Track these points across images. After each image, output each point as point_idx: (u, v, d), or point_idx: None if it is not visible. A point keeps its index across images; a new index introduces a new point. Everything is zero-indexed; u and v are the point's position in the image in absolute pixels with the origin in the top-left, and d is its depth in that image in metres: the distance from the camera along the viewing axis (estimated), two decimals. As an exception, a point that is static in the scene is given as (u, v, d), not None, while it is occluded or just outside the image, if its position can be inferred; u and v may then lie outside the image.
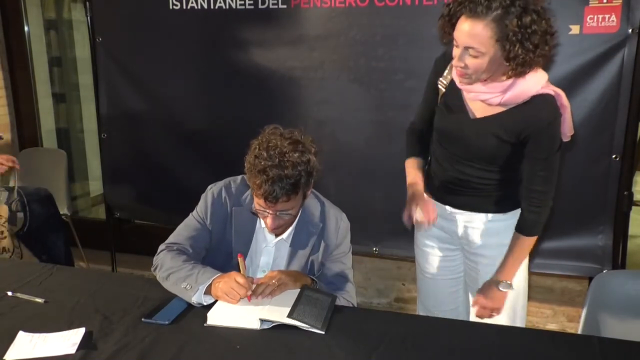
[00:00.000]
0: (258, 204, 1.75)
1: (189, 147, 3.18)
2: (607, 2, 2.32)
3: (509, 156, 1.82)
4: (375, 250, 2.94)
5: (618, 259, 2.62)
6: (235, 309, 1.66)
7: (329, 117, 2.87)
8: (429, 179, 2.03)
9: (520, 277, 1.96)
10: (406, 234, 2.13)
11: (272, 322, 1.60)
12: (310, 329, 1.58)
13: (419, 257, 2.13)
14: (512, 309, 1.96)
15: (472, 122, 1.83)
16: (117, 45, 3.22)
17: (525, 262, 1.96)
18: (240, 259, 1.77)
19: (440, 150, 1.95)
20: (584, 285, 3.10)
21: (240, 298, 1.68)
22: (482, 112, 1.82)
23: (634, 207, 2.62)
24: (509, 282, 1.88)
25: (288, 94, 2.92)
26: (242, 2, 2.87)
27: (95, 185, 4.52)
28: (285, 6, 2.80)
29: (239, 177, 1.96)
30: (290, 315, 1.60)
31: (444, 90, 1.90)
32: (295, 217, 1.87)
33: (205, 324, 1.61)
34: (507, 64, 1.64)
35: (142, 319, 1.63)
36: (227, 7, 2.90)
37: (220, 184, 1.96)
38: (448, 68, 1.88)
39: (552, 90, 1.73)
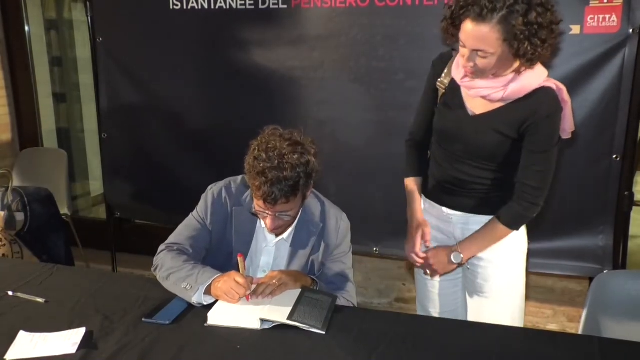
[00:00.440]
0: (257, 205, 1.75)
1: (189, 147, 3.19)
2: (608, 2, 2.32)
3: (509, 153, 1.81)
4: (376, 250, 2.94)
5: (619, 259, 2.62)
6: (236, 309, 1.66)
7: (329, 117, 2.87)
8: (426, 180, 2.04)
9: (517, 278, 1.95)
10: (407, 234, 2.13)
11: (273, 322, 1.60)
12: (311, 330, 1.58)
13: None
14: (511, 311, 1.96)
15: (471, 119, 1.83)
16: (117, 45, 3.22)
17: (523, 263, 1.96)
18: (240, 259, 1.77)
19: (440, 151, 1.95)
20: (584, 286, 3.10)
21: (240, 298, 1.68)
22: (482, 109, 1.82)
23: (634, 207, 2.62)
24: (462, 255, 1.87)
25: (288, 94, 2.92)
26: (243, 2, 2.87)
27: (96, 185, 4.52)
28: (285, 6, 2.80)
29: (239, 177, 1.96)
30: (290, 317, 1.60)
31: (443, 90, 1.90)
32: (295, 218, 1.87)
33: (205, 324, 1.62)
34: (516, 59, 1.66)
35: (143, 319, 1.63)
36: (228, 7, 2.90)
37: (220, 184, 1.96)
38: (447, 69, 1.89)
39: (553, 83, 1.74)
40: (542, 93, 1.73)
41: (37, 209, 2.93)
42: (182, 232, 1.93)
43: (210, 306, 1.68)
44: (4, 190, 2.88)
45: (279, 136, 1.73)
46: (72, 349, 1.47)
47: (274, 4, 2.82)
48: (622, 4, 2.30)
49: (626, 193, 2.53)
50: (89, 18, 3.23)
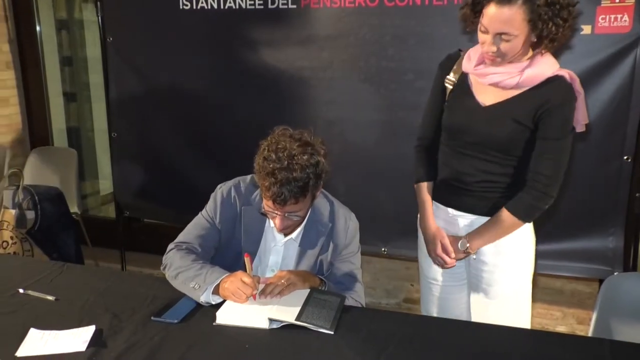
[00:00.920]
0: (267, 205, 1.76)
1: (198, 147, 3.20)
2: (620, 2, 2.30)
3: (522, 143, 1.79)
4: (384, 250, 2.93)
5: (629, 261, 2.60)
6: (245, 308, 1.66)
7: (338, 117, 2.87)
8: (434, 182, 2.02)
9: (523, 284, 1.94)
10: (415, 234, 2.12)
11: (281, 322, 1.60)
12: (319, 330, 1.57)
13: (423, 263, 2.10)
14: (516, 317, 1.94)
15: (483, 110, 1.83)
16: (127, 45, 3.23)
17: (530, 269, 1.94)
18: (246, 259, 1.77)
19: (448, 149, 1.94)
20: (593, 288, 3.08)
21: (247, 297, 1.68)
22: (494, 99, 1.82)
23: (645, 209, 2.60)
24: (468, 244, 1.86)
25: (298, 94, 2.92)
26: (252, 2, 2.87)
27: (105, 184, 4.55)
28: (295, 6, 2.80)
29: (249, 177, 1.96)
30: (299, 318, 1.60)
31: (451, 87, 1.90)
32: (304, 218, 1.87)
33: (214, 323, 1.62)
34: (539, 42, 1.68)
35: (152, 318, 1.63)
36: (237, 7, 2.90)
37: (229, 183, 1.96)
38: (455, 66, 1.90)
39: (566, 73, 1.75)
40: (555, 81, 1.74)
41: (47, 208, 2.95)
42: (191, 231, 1.93)
43: (218, 305, 1.68)
44: (15, 189, 2.90)
45: (288, 136, 1.73)
46: (82, 347, 1.48)
47: (283, 3, 2.82)
48: (634, 4, 2.29)
49: (637, 194, 2.52)
50: (99, 18, 3.24)
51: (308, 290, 1.77)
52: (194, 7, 2.99)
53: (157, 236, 2.75)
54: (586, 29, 2.36)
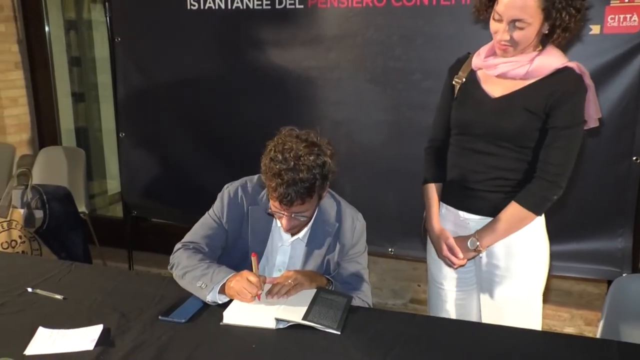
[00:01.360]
0: (273, 205, 1.76)
1: (205, 147, 3.20)
2: (629, 1, 2.29)
3: (533, 134, 1.78)
4: (391, 250, 2.93)
5: (638, 262, 2.58)
6: (252, 308, 1.66)
7: (345, 117, 2.87)
8: (444, 185, 2.01)
9: (535, 291, 1.92)
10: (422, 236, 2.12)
11: (288, 321, 1.60)
12: (326, 330, 1.58)
13: (432, 266, 2.08)
14: (528, 313, 1.93)
15: (492, 101, 1.82)
16: (135, 45, 3.25)
17: (543, 275, 1.91)
18: (253, 259, 1.77)
19: (459, 149, 1.92)
20: (602, 289, 3.06)
21: (252, 297, 1.68)
22: (503, 91, 1.82)
23: (654, 210, 2.58)
24: (477, 242, 1.84)
25: (305, 94, 2.92)
26: (260, 2, 2.88)
27: (113, 184, 4.57)
28: (302, 6, 2.81)
29: (255, 177, 1.96)
30: (305, 318, 1.60)
31: (459, 84, 1.91)
32: (311, 218, 1.87)
33: (221, 323, 1.62)
34: (551, 33, 1.70)
35: (159, 317, 1.64)
36: (245, 7, 2.91)
37: (236, 183, 1.97)
38: (464, 66, 1.91)
39: (575, 65, 1.76)
40: (565, 72, 1.75)
41: (55, 207, 2.97)
42: (198, 231, 1.94)
43: (225, 305, 1.68)
44: (24, 188, 2.92)
45: (295, 137, 1.73)
46: (90, 346, 1.48)
47: (290, 4, 2.82)
48: (644, 4, 2.28)
49: (646, 195, 2.50)
50: (108, 18, 3.26)
51: (315, 290, 1.77)
52: (202, 7, 3.00)
53: (165, 236, 2.76)
54: (595, 29, 2.35)
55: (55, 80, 4.17)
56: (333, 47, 2.82)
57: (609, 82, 2.38)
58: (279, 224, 1.87)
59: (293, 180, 1.65)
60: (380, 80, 2.77)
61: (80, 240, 3.10)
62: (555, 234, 2.35)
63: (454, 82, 1.92)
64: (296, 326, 1.59)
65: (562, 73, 1.75)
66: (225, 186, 1.98)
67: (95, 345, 1.48)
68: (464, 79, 1.90)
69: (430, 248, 2.05)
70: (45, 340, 1.51)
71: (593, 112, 1.78)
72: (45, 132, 4.18)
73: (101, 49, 4.33)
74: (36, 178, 3.43)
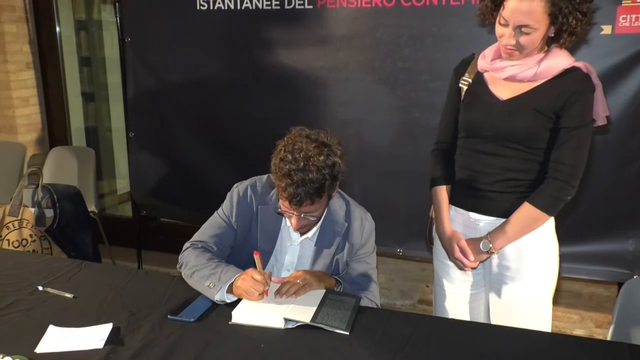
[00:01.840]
0: (283, 205, 1.76)
1: (215, 147, 3.21)
2: (641, 1, 2.28)
3: (543, 135, 1.77)
4: (399, 251, 2.92)
5: (649, 264, 2.56)
6: (260, 308, 1.66)
7: (354, 117, 2.87)
8: (453, 187, 2.00)
9: (545, 293, 1.90)
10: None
11: (297, 322, 1.60)
12: (335, 330, 1.57)
13: (439, 270, 2.07)
14: (538, 314, 1.92)
15: (501, 104, 1.82)
16: (145, 45, 3.26)
17: (553, 277, 1.90)
18: (256, 257, 1.77)
19: (467, 151, 1.92)
20: (612, 291, 3.04)
21: (259, 294, 1.69)
22: (511, 93, 1.82)
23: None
24: (490, 245, 1.83)
25: (313, 94, 2.92)
26: (269, 3, 2.88)
27: (122, 183, 4.60)
28: (311, 6, 2.81)
29: (265, 176, 1.97)
30: (314, 319, 1.60)
31: (466, 87, 1.90)
32: (320, 218, 1.87)
33: (230, 322, 1.63)
34: (557, 36, 1.71)
35: (168, 316, 1.64)
36: (254, 7, 2.92)
37: (245, 182, 1.97)
38: (470, 67, 1.91)
39: (582, 65, 1.76)
40: (572, 73, 1.76)
41: (66, 206, 2.98)
42: (207, 231, 1.95)
43: (234, 304, 1.69)
44: (34, 188, 2.94)
45: (305, 137, 1.73)
46: (100, 344, 1.49)
47: (299, 4, 2.83)
48: (656, 4, 2.26)
49: (657, 197, 2.48)
50: (118, 19, 3.28)
51: (324, 291, 1.77)
52: (211, 7, 3.00)
53: (173, 235, 2.77)
54: (606, 29, 2.33)
55: (65, 80, 4.19)
56: (342, 47, 2.82)
57: (620, 82, 2.37)
58: (288, 224, 1.88)
59: (303, 181, 1.65)
60: (389, 81, 2.76)
61: (89, 239, 3.11)
62: (566, 235, 2.34)
63: (460, 85, 1.92)
64: (305, 326, 1.59)
65: (570, 73, 1.75)
66: (235, 185, 1.98)
67: (105, 344, 1.49)
68: (470, 81, 1.90)
69: (437, 251, 2.05)
70: (55, 338, 1.52)
71: (601, 111, 1.78)
72: (55, 131, 4.20)
73: (111, 49, 4.36)
74: (46, 177, 3.45)
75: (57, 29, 4.08)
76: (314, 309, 1.65)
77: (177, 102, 3.25)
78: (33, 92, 4.07)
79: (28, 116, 4.04)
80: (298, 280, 1.74)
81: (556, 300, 3.10)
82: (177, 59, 3.18)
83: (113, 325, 1.57)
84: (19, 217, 2.90)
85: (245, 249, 1.94)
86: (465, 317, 2.03)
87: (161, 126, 3.33)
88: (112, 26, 4.04)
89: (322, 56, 2.86)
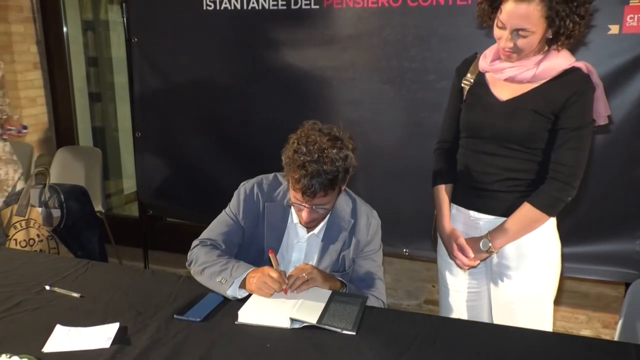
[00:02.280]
0: (295, 197, 1.77)
1: (221, 146, 3.22)
2: (648, 1, 2.27)
3: (542, 135, 1.78)
4: (406, 251, 2.92)
5: (656, 264, 2.55)
6: (267, 307, 1.66)
7: (360, 117, 2.86)
8: (454, 185, 2.01)
9: (546, 292, 1.90)
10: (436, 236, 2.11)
11: (303, 322, 1.60)
12: (341, 332, 1.57)
13: (442, 268, 2.08)
14: (539, 313, 1.92)
15: (502, 105, 1.83)
16: (152, 45, 3.27)
17: (556, 269, 1.90)
18: (271, 255, 1.79)
19: (469, 150, 1.93)
20: (620, 291, 3.03)
21: (274, 292, 1.69)
22: (511, 94, 1.82)
23: (673, 212, 2.54)
24: (490, 244, 1.84)
25: (320, 94, 2.92)
26: (275, 3, 2.89)
27: (129, 183, 4.60)
28: (317, 7, 2.81)
29: (271, 175, 1.98)
30: (320, 321, 1.59)
31: (468, 87, 1.91)
32: (329, 211, 1.88)
33: (236, 322, 1.63)
34: (555, 38, 1.70)
35: (175, 316, 1.65)
36: (260, 7, 2.92)
37: (252, 181, 1.99)
38: (472, 67, 1.92)
39: (583, 65, 1.75)
40: (572, 73, 1.75)
41: (72, 206, 2.99)
42: (215, 229, 1.95)
43: (242, 302, 1.69)
44: (42, 187, 2.95)
45: (318, 131, 1.76)
46: (106, 344, 1.49)
47: (305, 4, 2.83)
48: (663, 3, 2.25)
49: (665, 197, 2.47)
50: (125, 19, 3.29)
51: (330, 292, 1.77)
52: (218, 7, 3.01)
53: (180, 235, 2.77)
54: (614, 29, 2.32)
55: (72, 81, 4.21)
56: (348, 47, 2.82)
57: (627, 82, 2.36)
58: (295, 220, 1.89)
59: (317, 172, 1.67)
60: (395, 81, 2.76)
61: (96, 239, 3.13)
62: (573, 236, 2.34)
63: (463, 85, 1.93)
64: (311, 326, 1.59)
65: (569, 74, 1.75)
66: (242, 184, 1.99)
67: (112, 343, 1.49)
68: (472, 81, 1.91)
69: (441, 249, 2.06)
70: (62, 337, 1.53)
71: (602, 110, 1.78)
72: (62, 131, 4.22)
73: (118, 49, 4.37)
74: (54, 177, 3.47)
75: (65, 29, 4.10)
76: (321, 309, 1.65)
77: (184, 102, 3.25)
78: (40, 92, 4.08)
79: (35, 116, 4.06)
80: (304, 274, 1.74)
81: (563, 301, 3.10)
82: (184, 59, 3.19)
83: (120, 324, 1.57)
84: (26, 217, 2.92)
85: (252, 247, 1.95)
86: (469, 314, 2.04)
87: (168, 126, 3.34)
88: (119, 26, 4.05)
89: (328, 56, 2.86)
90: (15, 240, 2.91)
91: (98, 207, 3.55)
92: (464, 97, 1.93)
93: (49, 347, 1.49)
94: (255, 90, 3.05)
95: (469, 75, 1.92)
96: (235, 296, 1.73)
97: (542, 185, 1.80)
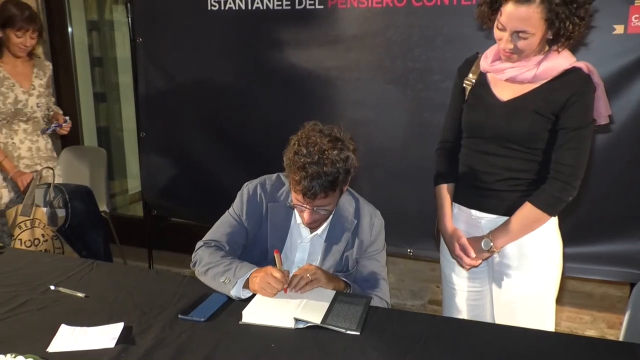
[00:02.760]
0: (296, 198, 1.77)
1: (225, 147, 3.22)
2: (654, 0, 2.26)
3: (543, 135, 1.78)
4: (410, 251, 2.92)
5: (661, 264, 2.54)
6: (271, 307, 1.67)
7: (364, 117, 2.86)
8: (456, 185, 2.01)
9: (547, 291, 1.90)
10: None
11: (307, 322, 1.60)
12: (345, 332, 1.57)
13: (445, 268, 2.09)
14: (541, 312, 1.91)
15: (503, 105, 1.83)
16: (156, 45, 3.28)
17: (556, 276, 1.90)
18: (276, 255, 1.79)
19: (470, 150, 1.94)
20: (624, 292, 3.02)
21: (277, 292, 1.69)
22: (511, 94, 1.83)
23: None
24: (491, 243, 1.84)
25: (324, 94, 2.92)
26: (279, 3, 2.89)
27: (134, 183, 4.61)
28: (322, 7, 2.81)
29: (274, 175, 1.99)
30: (324, 321, 1.60)
31: (470, 87, 1.92)
32: (331, 212, 1.88)
33: (240, 322, 1.63)
34: (555, 39, 1.70)
35: (179, 316, 1.65)
36: (265, 7, 2.92)
37: (255, 181, 1.99)
38: (473, 67, 1.93)
39: (584, 65, 1.76)
40: (573, 73, 1.76)
41: (77, 206, 3.00)
42: (219, 229, 1.96)
43: (246, 302, 1.69)
44: (46, 187, 2.96)
45: (318, 132, 1.76)
46: (111, 343, 1.50)
47: (310, 4, 2.83)
48: (669, 3, 2.24)
49: (670, 197, 2.46)
50: (129, 19, 3.29)
51: (334, 292, 1.77)
52: (222, 7, 3.01)
53: (184, 235, 2.78)
54: (619, 29, 2.32)
55: (77, 81, 4.22)
56: (353, 47, 2.81)
57: (632, 82, 2.35)
58: (299, 221, 1.89)
59: (317, 174, 1.67)
60: (399, 81, 2.76)
61: (101, 239, 3.13)
62: (577, 236, 2.33)
63: (464, 85, 1.93)
64: (315, 326, 1.59)
65: (570, 74, 1.76)
66: (245, 184, 2.00)
67: (116, 343, 1.50)
68: (473, 81, 1.91)
69: (444, 249, 2.06)
70: (67, 337, 1.53)
71: (603, 110, 1.79)
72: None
73: (122, 50, 4.38)
74: (58, 177, 3.48)
75: (69, 29, 4.11)
76: (325, 309, 1.65)
77: (188, 102, 3.26)
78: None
79: (40, 116, 4.06)
80: (308, 274, 1.75)
81: (568, 301, 3.10)
82: (188, 59, 3.20)
83: (124, 324, 1.58)
84: (31, 217, 2.92)
85: (255, 248, 1.96)
86: (472, 314, 2.04)
87: (172, 126, 3.35)
88: (123, 27, 4.05)
89: (333, 56, 2.86)
90: (20, 240, 2.92)
91: (103, 207, 3.55)
92: (466, 97, 1.94)
93: (54, 346, 1.49)
94: (260, 91, 3.06)
95: (470, 75, 1.93)
96: (239, 296, 1.73)
97: (543, 185, 1.81)
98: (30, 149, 3.04)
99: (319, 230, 1.92)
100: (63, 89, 4.16)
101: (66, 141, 4.19)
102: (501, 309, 1.96)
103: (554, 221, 1.89)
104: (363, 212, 1.94)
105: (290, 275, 1.78)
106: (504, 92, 1.84)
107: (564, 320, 3.14)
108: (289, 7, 2.87)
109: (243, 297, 1.73)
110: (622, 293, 3.05)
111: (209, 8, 3.04)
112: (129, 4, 3.27)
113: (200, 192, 3.33)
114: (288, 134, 1.80)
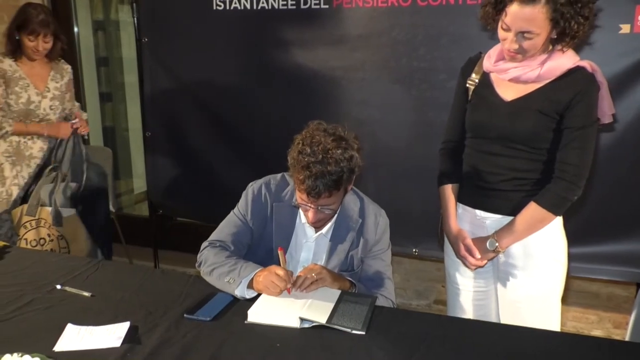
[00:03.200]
0: (300, 198, 1.77)
1: (230, 146, 3.22)
2: (660, 0, 2.25)
3: (547, 135, 1.78)
4: (415, 251, 2.91)
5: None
6: (276, 307, 1.67)
7: (369, 117, 2.86)
8: (460, 185, 2.01)
9: (552, 291, 1.89)
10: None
11: (312, 322, 1.60)
12: (351, 331, 1.57)
13: (449, 268, 2.09)
14: (547, 312, 1.91)
15: (507, 105, 1.83)
16: (162, 45, 3.28)
17: (561, 276, 1.90)
18: (280, 252, 1.80)
19: (474, 150, 1.93)
20: (631, 292, 3.01)
21: (281, 291, 1.69)
22: (515, 94, 1.82)
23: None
24: (496, 243, 1.84)
25: (329, 94, 2.92)
26: (285, 3, 2.89)
27: (139, 183, 4.62)
28: (327, 6, 2.81)
29: (279, 175, 1.99)
30: (329, 320, 1.60)
31: (473, 87, 1.91)
32: (336, 211, 1.88)
33: (245, 322, 1.63)
34: (559, 38, 1.70)
35: (185, 315, 1.65)
36: (270, 7, 2.92)
37: (260, 181, 1.99)
38: (476, 67, 1.92)
39: (587, 64, 1.75)
40: (576, 72, 1.75)
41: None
42: (224, 229, 1.96)
43: (251, 302, 1.70)
44: (53, 186, 2.97)
45: (323, 131, 1.76)
46: (117, 343, 1.50)
47: (315, 4, 2.83)
48: (675, 2, 2.23)
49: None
50: (135, 19, 3.30)
51: (339, 292, 1.77)
52: (227, 7, 3.02)
53: (190, 235, 2.78)
54: (625, 28, 2.31)
55: (83, 80, 4.23)
56: (358, 47, 2.81)
57: (638, 81, 2.34)
58: (303, 220, 1.89)
59: (321, 173, 1.67)
60: (405, 80, 2.75)
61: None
62: (582, 235, 2.32)
63: (468, 85, 1.93)
64: (320, 325, 1.59)
65: (574, 73, 1.75)
66: (250, 184, 2.00)
67: (122, 343, 1.50)
68: (477, 82, 1.91)
69: (448, 249, 2.06)
70: (73, 336, 1.54)
71: (607, 109, 1.78)
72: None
73: (128, 49, 4.39)
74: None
75: (75, 29, 4.12)
76: (330, 309, 1.65)
77: (194, 102, 3.26)
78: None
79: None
80: (313, 274, 1.75)
81: (574, 301, 3.09)
82: (194, 59, 3.20)
83: (130, 324, 1.58)
84: (36, 217, 2.94)
85: (260, 247, 1.96)
86: (477, 313, 2.04)
87: (178, 126, 3.36)
88: (129, 26, 4.07)
89: (338, 56, 2.86)
90: (26, 239, 2.93)
91: (109, 207, 3.56)
92: (469, 97, 1.94)
93: (60, 346, 1.50)
94: (265, 90, 3.06)
95: (473, 75, 1.93)
96: (243, 296, 1.74)
97: (548, 184, 1.80)
98: (42, 149, 3.04)
99: (324, 230, 1.92)
100: (69, 89, 4.16)
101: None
102: (506, 309, 1.96)
103: (558, 221, 1.88)
104: (368, 211, 1.94)
105: (296, 275, 1.78)
106: (508, 92, 1.84)
107: (570, 320, 3.13)
108: (294, 7, 2.87)
109: (248, 297, 1.73)
110: (628, 293, 3.03)
111: (214, 8, 3.04)
112: (134, 4, 3.28)
113: (206, 192, 3.34)
114: (293, 134, 1.80)
